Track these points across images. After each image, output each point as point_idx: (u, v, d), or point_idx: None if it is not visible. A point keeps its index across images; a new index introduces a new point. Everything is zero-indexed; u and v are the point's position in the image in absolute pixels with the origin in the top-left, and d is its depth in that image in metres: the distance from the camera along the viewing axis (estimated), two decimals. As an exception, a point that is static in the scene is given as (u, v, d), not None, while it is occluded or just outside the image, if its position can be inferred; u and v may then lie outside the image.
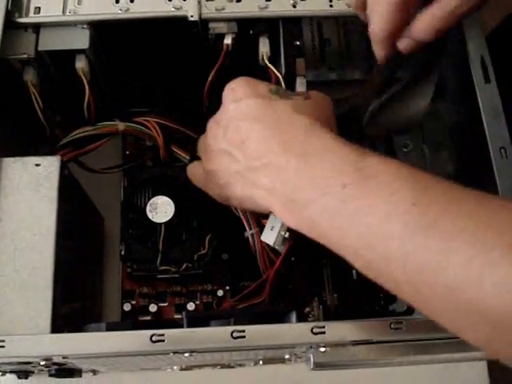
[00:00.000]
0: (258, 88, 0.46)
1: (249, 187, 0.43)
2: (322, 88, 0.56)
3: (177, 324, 0.45)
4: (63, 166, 0.49)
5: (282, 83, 0.53)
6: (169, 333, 0.42)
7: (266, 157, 0.41)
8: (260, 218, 0.51)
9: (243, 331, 0.42)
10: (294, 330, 0.43)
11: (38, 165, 0.48)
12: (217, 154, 0.46)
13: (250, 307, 0.51)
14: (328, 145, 0.39)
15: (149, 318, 0.59)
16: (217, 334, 0.42)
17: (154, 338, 0.42)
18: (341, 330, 0.43)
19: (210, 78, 0.56)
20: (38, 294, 0.44)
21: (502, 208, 0.33)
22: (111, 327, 0.43)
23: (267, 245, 0.48)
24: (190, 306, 0.59)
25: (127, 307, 0.59)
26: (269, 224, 0.47)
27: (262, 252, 0.51)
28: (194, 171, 0.54)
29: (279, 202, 0.40)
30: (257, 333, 0.42)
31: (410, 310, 0.63)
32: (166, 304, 0.60)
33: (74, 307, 0.51)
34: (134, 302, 0.60)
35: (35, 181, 0.47)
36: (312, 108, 0.44)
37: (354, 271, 0.57)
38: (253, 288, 0.52)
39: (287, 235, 0.46)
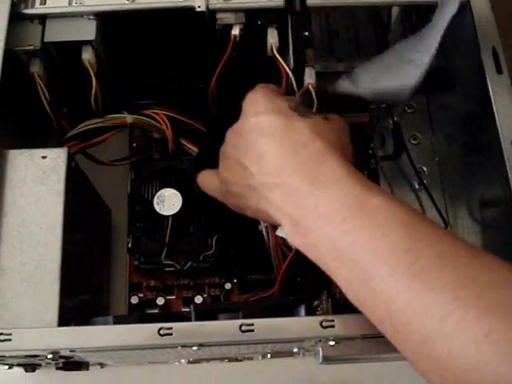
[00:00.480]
0: (279, 103, 0.45)
1: (263, 202, 0.44)
2: (329, 79, 0.56)
3: (185, 317, 0.45)
4: (70, 158, 0.48)
5: (291, 76, 0.52)
6: (177, 326, 0.42)
7: (279, 176, 0.42)
8: None
9: (252, 324, 0.41)
10: (303, 324, 0.42)
11: (44, 157, 0.48)
12: (234, 164, 0.46)
13: (259, 300, 0.50)
14: (337, 175, 0.40)
15: (156, 311, 0.59)
16: (225, 327, 0.42)
17: (161, 332, 0.41)
18: (350, 324, 0.42)
19: (217, 70, 0.56)
20: (44, 287, 0.44)
21: (488, 267, 0.34)
22: (118, 320, 0.43)
23: (281, 238, 0.48)
24: (198, 299, 0.58)
25: (135, 300, 0.58)
26: None
27: (275, 245, 0.50)
28: (206, 179, 0.52)
29: (288, 221, 0.41)
30: (265, 326, 0.42)
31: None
32: (173, 297, 0.60)
33: (80, 300, 0.51)
34: (141, 295, 0.59)
35: (42, 173, 0.47)
36: (329, 131, 0.44)
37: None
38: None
39: None
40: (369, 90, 0.52)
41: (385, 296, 0.35)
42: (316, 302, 0.55)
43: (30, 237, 0.45)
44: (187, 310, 0.59)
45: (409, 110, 0.69)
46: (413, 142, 0.67)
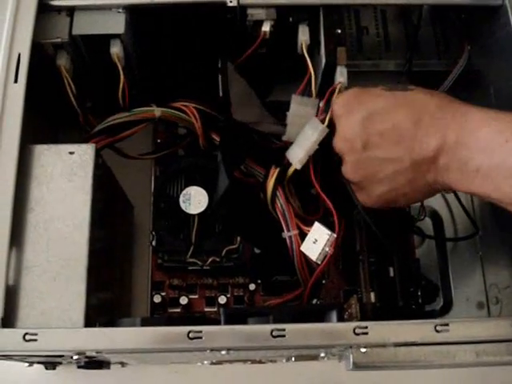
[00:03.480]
0: (375, 92, 0.46)
1: (420, 179, 0.45)
2: (356, 78, 0.55)
3: (213, 320, 0.44)
4: (98, 154, 0.47)
5: (313, 78, 0.52)
6: (206, 330, 0.41)
7: (431, 143, 0.43)
8: (298, 223, 0.50)
9: (283, 330, 0.41)
10: (336, 330, 0.41)
11: (72, 153, 0.47)
12: (365, 166, 0.46)
13: (289, 305, 0.49)
14: (478, 115, 0.42)
15: (178, 310, 0.58)
16: (256, 332, 0.41)
17: (191, 335, 0.40)
18: (384, 331, 0.41)
19: (240, 60, 0.55)
20: (71, 285, 0.43)
21: None
22: (146, 322, 0.42)
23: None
24: (222, 300, 0.57)
25: (157, 299, 0.57)
26: (311, 235, 0.47)
27: (299, 255, 0.49)
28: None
29: (455, 175, 0.43)
30: (297, 332, 0.41)
31: (445, 307, 0.61)
32: (196, 296, 0.59)
33: (104, 298, 0.50)
34: (163, 294, 0.58)
35: (69, 169, 0.46)
36: (432, 91, 0.46)
37: (390, 268, 0.55)
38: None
39: (329, 249, 0.45)
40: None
41: None
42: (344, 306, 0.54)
43: (56, 234, 0.44)
44: (210, 309, 0.58)
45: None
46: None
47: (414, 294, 0.54)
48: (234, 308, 0.56)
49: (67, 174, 0.46)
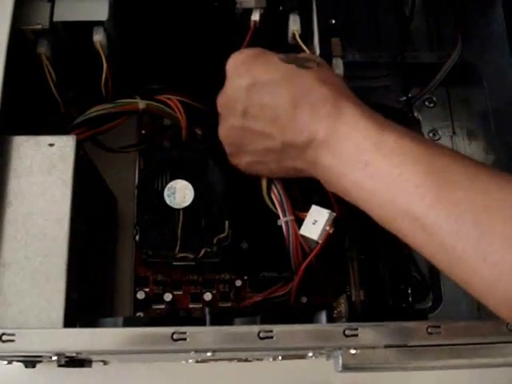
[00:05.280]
0: (269, 59, 0.44)
1: (288, 160, 0.44)
2: (347, 69, 0.54)
3: (198, 320, 0.42)
4: (79, 147, 0.45)
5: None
6: (191, 330, 0.39)
7: (303, 133, 0.41)
8: (294, 210, 0.48)
9: (271, 331, 0.39)
10: (325, 332, 0.40)
11: (51, 145, 0.45)
12: (240, 132, 0.45)
13: (278, 305, 0.48)
14: (354, 122, 0.40)
15: (162, 306, 0.56)
16: (242, 333, 0.39)
17: (175, 336, 0.39)
18: (375, 333, 0.40)
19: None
20: (50, 283, 0.42)
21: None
22: (129, 322, 0.41)
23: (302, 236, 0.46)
24: (207, 297, 0.56)
25: (141, 295, 0.56)
26: (310, 218, 0.45)
27: (296, 242, 0.48)
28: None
29: (321, 173, 0.43)
30: (285, 333, 0.39)
31: (435, 304, 0.60)
32: (181, 292, 0.57)
33: (86, 294, 0.49)
34: (147, 290, 0.57)
35: (49, 162, 0.44)
36: (330, 75, 0.44)
37: (380, 266, 0.54)
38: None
39: (329, 228, 0.44)
40: None
41: (411, 231, 0.38)
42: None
43: (35, 229, 0.42)
44: (195, 306, 0.57)
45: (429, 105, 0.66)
46: (433, 137, 0.65)
47: (404, 292, 0.53)
48: (219, 308, 0.54)
49: (47, 166, 0.44)
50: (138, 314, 0.56)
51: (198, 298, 0.57)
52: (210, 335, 0.39)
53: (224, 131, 0.47)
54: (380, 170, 0.39)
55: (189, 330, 0.39)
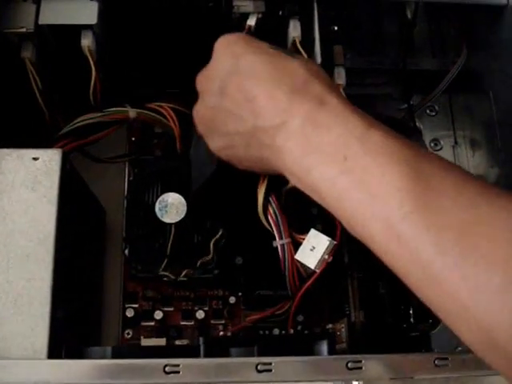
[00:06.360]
0: (258, 43, 0.42)
1: (256, 148, 0.41)
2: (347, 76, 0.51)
3: (192, 349, 0.40)
4: (65, 160, 0.43)
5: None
6: (184, 363, 0.37)
7: (278, 117, 0.38)
8: (292, 233, 0.46)
9: (269, 364, 0.37)
10: (327, 365, 0.37)
11: (36, 158, 0.42)
12: (214, 112, 0.43)
13: (276, 334, 0.46)
14: (338, 113, 0.38)
15: (152, 323, 0.54)
16: (239, 365, 0.37)
17: (167, 369, 0.36)
18: (379, 366, 0.38)
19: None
20: (33, 309, 0.39)
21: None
22: (118, 353, 0.38)
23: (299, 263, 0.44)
24: (200, 315, 0.54)
25: (130, 313, 0.53)
26: (307, 243, 0.42)
27: (291, 266, 0.45)
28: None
29: (288, 164, 0.39)
30: (285, 366, 0.37)
31: (434, 324, 0.58)
32: (171, 309, 0.55)
33: (72, 315, 0.46)
34: (136, 306, 0.54)
35: (33, 177, 0.42)
36: (320, 69, 0.41)
37: (380, 285, 0.52)
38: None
39: (328, 257, 0.41)
40: None
41: (376, 239, 0.35)
42: (330, 325, 0.51)
43: (17, 250, 0.40)
44: (186, 323, 0.54)
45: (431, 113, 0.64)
46: (435, 147, 0.62)
47: (405, 312, 0.51)
48: (214, 337, 0.51)
49: (31, 182, 0.41)
50: (126, 331, 0.54)
51: (190, 314, 0.55)
52: (204, 368, 0.37)
53: (198, 110, 0.45)
54: (360, 166, 0.35)
55: (182, 362, 0.37)
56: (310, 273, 0.45)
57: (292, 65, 0.40)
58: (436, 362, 0.38)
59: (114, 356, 0.38)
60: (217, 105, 0.42)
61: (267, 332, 0.52)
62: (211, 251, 0.52)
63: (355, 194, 0.35)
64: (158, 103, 0.50)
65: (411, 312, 0.51)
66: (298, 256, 0.43)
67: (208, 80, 0.43)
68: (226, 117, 0.41)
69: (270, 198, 0.47)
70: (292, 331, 0.51)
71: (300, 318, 0.53)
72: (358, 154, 0.36)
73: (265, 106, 0.39)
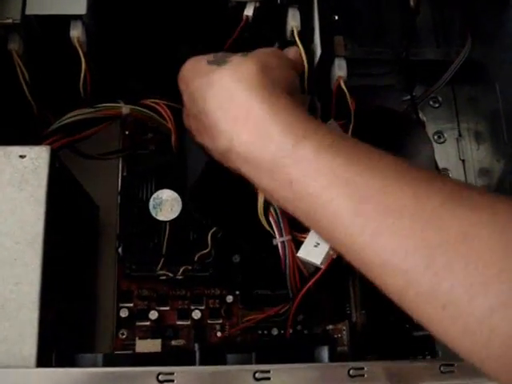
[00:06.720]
0: (200, 66, 0.42)
1: (229, 163, 0.41)
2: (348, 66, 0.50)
3: (185, 354, 0.38)
4: (54, 158, 0.41)
5: (306, 68, 0.45)
6: (178, 370, 0.35)
7: (226, 139, 0.39)
8: (292, 231, 0.44)
9: (268, 371, 0.35)
10: (328, 372, 0.36)
11: (23, 156, 0.40)
12: (196, 121, 0.44)
13: (275, 340, 0.44)
14: (265, 127, 0.37)
15: (147, 323, 0.52)
16: (236, 373, 0.35)
17: (161, 378, 0.35)
18: (383, 373, 0.36)
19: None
20: (21, 314, 0.37)
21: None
22: (109, 360, 0.37)
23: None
24: (196, 315, 0.52)
25: (124, 313, 0.52)
26: (311, 239, 0.41)
27: (292, 264, 0.44)
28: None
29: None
30: (285, 374, 0.35)
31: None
32: (167, 308, 0.53)
33: (63, 317, 0.44)
34: (131, 305, 0.53)
35: (19, 176, 0.40)
36: (251, 69, 0.40)
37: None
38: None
39: (333, 253, 0.40)
40: None
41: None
42: (330, 326, 0.49)
43: (4, 253, 0.38)
44: (182, 323, 0.53)
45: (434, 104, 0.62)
46: (438, 139, 0.61)
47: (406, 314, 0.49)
48: (210, 343, 0.50)
49: (17, 181, 0.39)
50: (121, 332, 0.52)
51: (186, 314, 0.53)
52: (199, 376, 0.35)
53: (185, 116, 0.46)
54: (306, 192, 0.35)
55: (176, 370, 0.35)
56: (312, 271, 0.44)
57: (216, 77, 0.40)
58: (441, 368, 0.37)
59: (106, 364, 0.37)
60: (194, 125, 0.44)
61: (266, 332, 0.51)
62: (209, 244, 0.50)
63: (314, 223, 0.37)
64: (153, 100, 0.48)
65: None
66: (301, 253, 0.42)
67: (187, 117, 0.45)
68: (203, 139, 0.43)
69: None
70: (291, 331, 0.50)
71: (300, 317, 0.52)
72: (298, 177, 0.36)
73: (213, 131, 0.40)
